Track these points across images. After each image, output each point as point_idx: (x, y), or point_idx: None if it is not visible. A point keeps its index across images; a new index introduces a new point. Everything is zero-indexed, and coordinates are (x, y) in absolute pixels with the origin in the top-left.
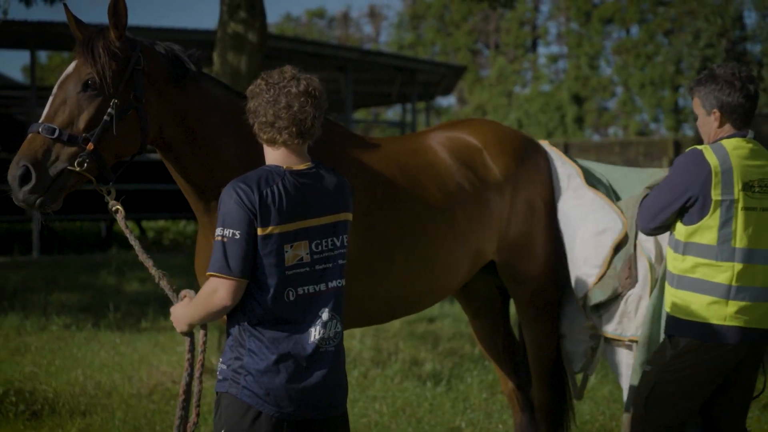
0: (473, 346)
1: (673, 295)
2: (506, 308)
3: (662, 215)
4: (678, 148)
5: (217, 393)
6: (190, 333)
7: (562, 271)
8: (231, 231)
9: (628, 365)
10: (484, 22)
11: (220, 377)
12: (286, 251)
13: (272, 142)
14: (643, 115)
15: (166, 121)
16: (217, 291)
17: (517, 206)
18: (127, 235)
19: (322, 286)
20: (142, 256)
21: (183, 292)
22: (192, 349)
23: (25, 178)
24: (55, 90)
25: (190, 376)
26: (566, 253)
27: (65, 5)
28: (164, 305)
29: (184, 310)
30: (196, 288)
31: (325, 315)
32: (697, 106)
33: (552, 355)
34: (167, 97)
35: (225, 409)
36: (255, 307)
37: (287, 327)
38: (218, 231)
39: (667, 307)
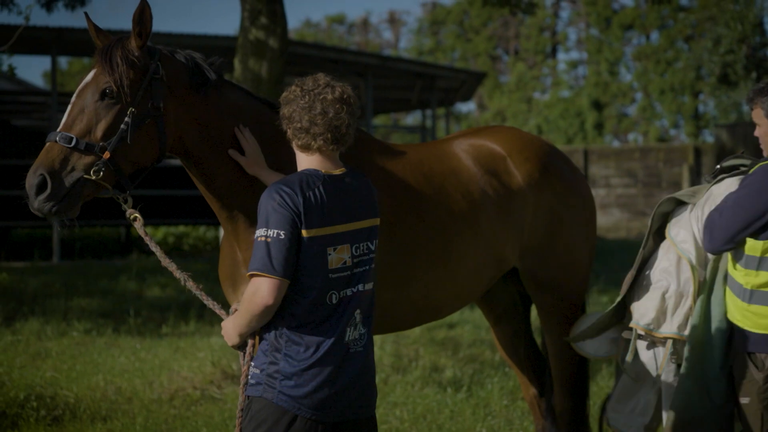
0: (493, 352)
1: (747, 310)
2: (528, 315)
3: (741, 235)
4: (698, 154)
5: (247, 397)
6: (243, 346)
7: (586, 278)
8: (275, 231)
9: (662, 361)
10: (503, 28)
11: (252, 381)
12: (330, 254)
13: (307, 148)
14: (663, 121)
15: (187, 129)
16: (259, 290)
17: (540, 213)
18: (147, 242)
19: (359, 287)
20: (165, 261)
21: (234, 306)
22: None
23: (41, 187)
24: (73, 98)
25: None
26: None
27: (86, 13)
28: (185, 311)
29: (232, 321)
30: (222, 294)
31: (357, 317)
32: (758, 116)
33: (574, 362)
34: (187, 106)
35: (258, 413)
36: (295, 311)
37: (324, 330)
38: (261, 232)
39: (739, 322)
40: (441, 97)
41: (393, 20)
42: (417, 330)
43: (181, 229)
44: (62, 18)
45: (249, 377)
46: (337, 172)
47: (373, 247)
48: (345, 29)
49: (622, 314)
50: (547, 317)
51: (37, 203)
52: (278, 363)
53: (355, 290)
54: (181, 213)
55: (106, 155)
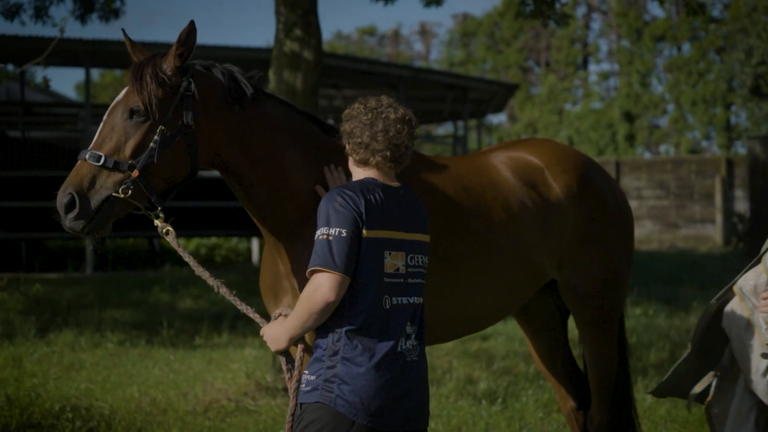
0: (528, 364)
1: None
2: (565, 327)
3: None
4: (731, 166)
5: (300, 405)
6: (285, 352)
7: (625, 290)
8: (337, 229)
9: None
10: (534, 40)
11: (307, 388)
12: (386, 258)
13: (364, 163)
14: (694, 132)
15: (224, 144)
16: (320, 286)
17: (578, 225)
18: (181, 253)
19: (413, 300)
20: (198, 270)
21: (278, 311)
22: (291, 368)
23: (70, 206)
24: (105, 117)
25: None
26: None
27: (123, 30)
28: (218, 322)
29: (283, 325)
30: (258, 306)
31: (408, 328)
32: None
33: (613, 374)
34: (223, 121)
35: (314, 421)
36: (353, 313)
37: (380, 335)
38: (322, 230)
39: None
40: (473, 108)
41: (424, 32)
42: (450, 342)
43: (214, 240)
44: (96, 30)
45: (303, 384)
46: (393, 184)
47: (425, 262)
48: (376, 41)
49: (712, 359)
50: (585, 329)
51: (68, 222)
52: (336, 367)
53: (408, 301)
54: (214, 224)
55: (135, 173)
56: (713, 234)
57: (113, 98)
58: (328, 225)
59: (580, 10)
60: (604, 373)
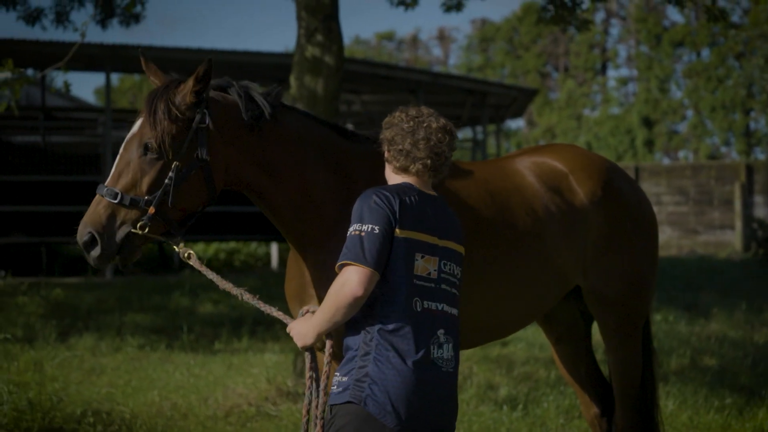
0: (548, 370)
1: None
2: (589, 333)
3: None
4: (750, 172)
5: (330, 408)
6: (310, 348)
7: (650, 296)
8: (370, 226)
9: None
10: (553, 45)
11: (339, 389)
12: (417, 260)
13: (404, 171)
14: (713, 138)
15: (244, 165)
16: (349, 280)
17: (603, 231)
18: (204, 272)
19: (444, 307)
20: (222, 283)
21: (305, 308)
22: (313, 366)
23: (90, 244)
24: (121, 150)
25: (312, 395)
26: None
27: (141, 53)
28: (237, 327)
29: (311, 321)
30: (286, 311)
31: (441, 336)
32: None
33: (637, 380)
34: (241, 143)
35: (346, 426)
36: (384, 314)
37: (413, 338)
38: (355, 227)
39: None
40: (492, 113)
41: (442, 37)
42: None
43: (233, 245)
44: (116, 35)
45: (335, 386)
46: (430, 192)
47: (458, 273)
48: (394, 46)
49: None
50: (609, 336)
51: (92, 261)
52: (367, 366)
53: (440, 307)
54: (233, 229)
55: (151, 210)
56: (733, 240)
57: (132, 103)
58: (361, 221)
59: (599, 16)
60: (628, 380)
